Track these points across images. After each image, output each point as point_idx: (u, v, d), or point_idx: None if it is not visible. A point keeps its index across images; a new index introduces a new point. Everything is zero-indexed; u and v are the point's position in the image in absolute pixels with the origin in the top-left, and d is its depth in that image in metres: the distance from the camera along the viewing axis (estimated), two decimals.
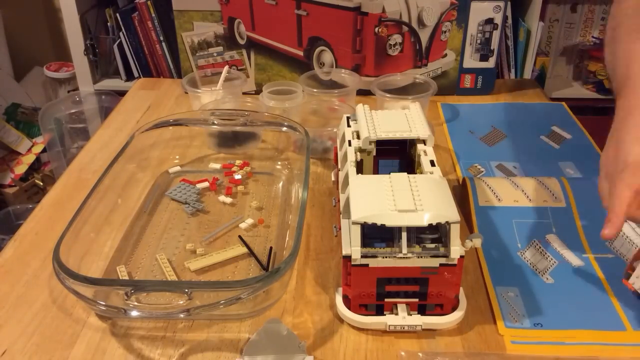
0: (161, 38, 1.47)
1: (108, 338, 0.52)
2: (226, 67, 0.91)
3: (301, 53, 0.97)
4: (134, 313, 0.49)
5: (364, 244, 0.49)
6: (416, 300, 0.52)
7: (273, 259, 0.61)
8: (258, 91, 0.90)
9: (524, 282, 0.57)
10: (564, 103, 0.95)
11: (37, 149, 1.68)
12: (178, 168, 0.78)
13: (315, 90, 0.86)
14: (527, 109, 0.93)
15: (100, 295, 0.51)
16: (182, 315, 0.49)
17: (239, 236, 0.64)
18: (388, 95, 0.85)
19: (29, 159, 1.66)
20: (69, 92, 1.69)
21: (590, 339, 0.51)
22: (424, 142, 0.61)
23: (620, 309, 0.53)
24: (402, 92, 0.89)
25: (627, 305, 0.54)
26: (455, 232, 0.48)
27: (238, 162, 0.78)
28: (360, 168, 0.62)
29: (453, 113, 0.93)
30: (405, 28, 0.93)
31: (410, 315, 0.52)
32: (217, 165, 0.79)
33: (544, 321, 0.52)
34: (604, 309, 0.54)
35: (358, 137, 0.63)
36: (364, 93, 0.93)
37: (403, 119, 0.64)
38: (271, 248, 0.62)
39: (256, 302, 0.54)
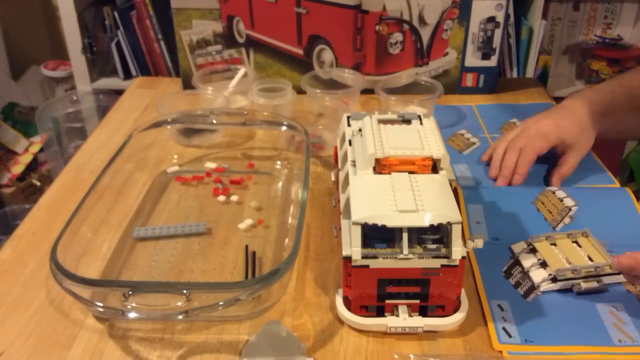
0: (159, 36, 1.46)
1: (106, 339, 0.52)
2: (242, 70, 0.91)
3: (301, 51, 0.96)
4: (132, 314, 0.48)
5: (365, 244, 0.49)
6: (417, 301, 0.51)
7: (259, 265, 0.60)
8: None
9: (513, 294, 0.56)
10: (554, 103, 0.95)
11: (35, 148, 1.67)
12: (176, 167, 0.78)
13: (318, 91, 0.85)
14: (517, 109, 0.93)
15: (97, 297, 0.51)
16: (180, 317, 0.48)
17: (246, 246, 0.63)
18: (393, 97, 0.84)
19: (26, 158, 1.65)
20: (66, 91, 1.68)
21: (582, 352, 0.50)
22: (445, 165, 0.55)
23: (608, 325, 0.52)
24: (406, 92, 0.88)
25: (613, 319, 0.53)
26: (456, 232, 0.48)
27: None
28: None
29: (443, 114, 0.92)
30: (406, 26, 0.93)
31: (411, 316, 0.51)
32: (214, 165, 0.78)
33: (534, 337, 0.51)
34: (593, 324, 0.53)
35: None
36: (367, 92, 0.92)
37: (415, 135, 0.57)
38: (254, 253, 0.61)
39: (255, 304, 0.53)
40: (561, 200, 0.64)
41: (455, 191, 0.70)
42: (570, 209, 0.64)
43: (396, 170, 0.53)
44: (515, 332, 0.51)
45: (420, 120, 0.62)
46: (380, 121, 0.61)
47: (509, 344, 0.50)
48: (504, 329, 0.52)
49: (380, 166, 0.54)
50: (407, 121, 0.62)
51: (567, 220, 0.63)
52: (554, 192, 0.66)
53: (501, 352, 0.50)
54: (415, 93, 0.90)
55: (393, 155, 0.54)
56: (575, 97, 0.76)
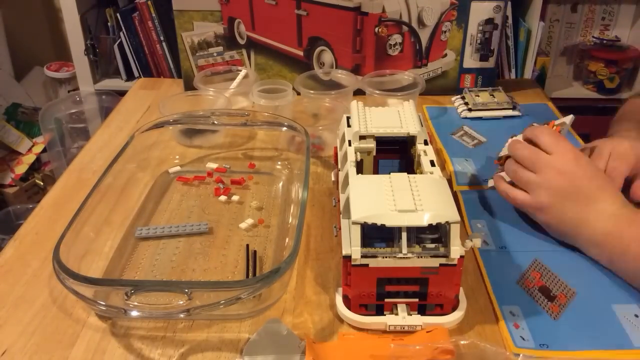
0: (161, 38, 1.47)
1: (108, 338, 0.52)
2: (244, 71, 0.92)
3: (301, 53, 0.97)
4: (134, 313, 0.49)
5: (364, 244, 0.49)
6: (416, 300, 0.52)
7: (260, 264, 0.61)
8: None
9: (524, 299, 0.56)
10: (549, 102, 0.95)
11: (38, 148, 1.68)
12: (178, 168, 0.78)
13: (312, 91, 0.86)
14: (520, 109, 0.93)
15: (100, 295, 0.51)
16: (182, 315, 0.49)
17: (247, 245, 0.63)
18: (377, 91, 0.85)
19: (29, 158, 1.66)
20: (69, 92, 1.69)
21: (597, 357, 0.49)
22: (421, 140, 0.61)
23: (627, 326, 0.52)
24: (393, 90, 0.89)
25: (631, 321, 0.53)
26: (455, 232, 0.48)
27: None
28: (360, 168, 0.62)
29: (438, 113, 0.92)
30: (405, 28, 0.93)
31: (410, 315, 0.52)
32: (215, 165, 0.78)
33: (549, 342, 0.51)
34: (609, 326, 0.52)
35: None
36: (361, 93, 0.93)
37: (395, 116, 0.65)
38: (255, 252, 0.62)
39: (256, 302, 0.54)
40: None
41: (455, 195, 0.70)
42: None
43: None
44: (529, 337, 0.51)
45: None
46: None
47: (523, 348, 0.50)
48: (517, 333, 0.51)
49: None
50: None
51: None
52: None
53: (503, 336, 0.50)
54: (400, 89, 0.91)
55: (374, 133, 0.62)
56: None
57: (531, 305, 0.55)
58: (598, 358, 0.49)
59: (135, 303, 0.49)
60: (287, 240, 0.63)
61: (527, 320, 0.53)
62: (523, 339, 0.51)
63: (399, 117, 0.65)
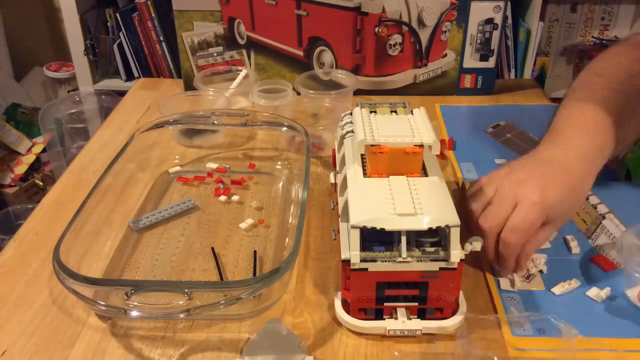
0: (161, 38, 1.47)
1: (108, 338, 0.52)
2: (244, 71, 0.93)
3: (301, 53, 0.97)
4: (134, 313, 0.49)
5: (363, 247, 0.49)
6: (416, 304, 0.51)
7: (260, 264, 0.61)
8: None
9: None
10: (550, 102, 0.95)
11: (37, 149, 1.68)
12: (178, 168, 0.78)
13: (312, 91, 0.86)
14: (520, 110, 0.93)
15: (100, 295, 0.51)
16: (182, 315, 0.49)
17: (254, 251, 0.63)
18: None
19: (29, 159, 1.66)
20: (69, 92, 1.69)
21: (596, 346, 0.50)
22: (436, 151, 0.55)
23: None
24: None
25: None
26: (455, 235, 0.48)
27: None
28: None
29: (452, 114, 0.92)
30: (405, 28, 0.93)
31: (410, 319, 0.52)
32: (215, 165, 0.78)
33: (546, 327, 0.52)
34: (609, 314, 0.53)
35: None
36: (361, 93, 0.93)
37: (405, 124, 0.58)
38: (255, 252, 0.62)
39: (256, 302, 0.54)
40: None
41: (463, 186, 0.70)
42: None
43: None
44: (528, 324, 0.52)
45: (411, 112, 0.62)
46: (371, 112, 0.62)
47: (522, 335, 0.51)
48: (516, 321, 0.53)
49: (373, 155, 0.54)
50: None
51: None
52: None
53: (504, 338, 0.51)
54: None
55: (383, 142, 0.53)
56: (569, 140, 0.58)
57: (527, 290, 0.56)
58: (590, 345, 0.50)
59: (135, 303, 0.49)
60: (287, 240, 0.64)
61: (525, 305, 0.54)
62: (522, 327, 0.52)
63: (409, 124, 0.57)
